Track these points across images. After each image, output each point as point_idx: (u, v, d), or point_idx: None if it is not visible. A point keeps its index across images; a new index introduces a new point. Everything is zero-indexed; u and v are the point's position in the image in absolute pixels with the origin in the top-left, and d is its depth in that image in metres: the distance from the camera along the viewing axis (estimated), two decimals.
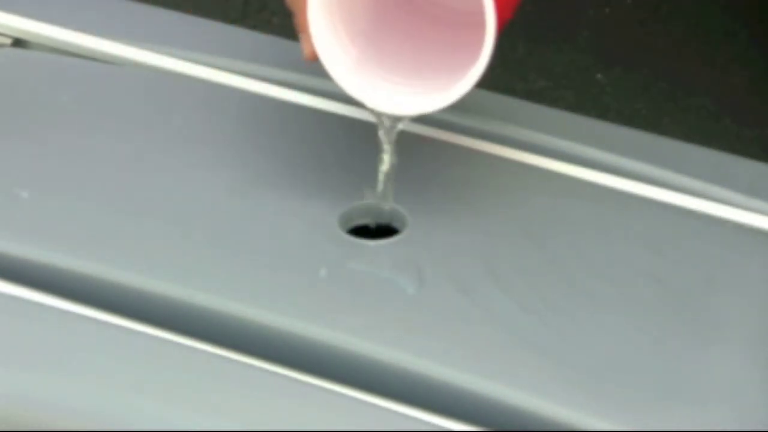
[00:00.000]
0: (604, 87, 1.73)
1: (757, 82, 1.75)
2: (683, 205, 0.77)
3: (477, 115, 0.81)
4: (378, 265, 0.70)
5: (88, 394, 0.62)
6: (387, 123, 0.71)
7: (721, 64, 1.79)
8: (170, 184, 0.74)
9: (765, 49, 1.80)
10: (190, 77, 0.83)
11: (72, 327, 0.65)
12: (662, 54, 1.79)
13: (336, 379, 0.64)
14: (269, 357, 0.64)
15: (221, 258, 0.69)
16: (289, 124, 0.80)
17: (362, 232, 0.73)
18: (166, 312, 0.66)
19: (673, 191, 0.78)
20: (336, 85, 0.69)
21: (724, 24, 1.84)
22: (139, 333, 0.65)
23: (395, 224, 0.73)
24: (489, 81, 0.70)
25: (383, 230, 0.73)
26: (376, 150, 0.72)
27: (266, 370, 0.64)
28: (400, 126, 0.71)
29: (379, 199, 0.73)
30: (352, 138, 0.78)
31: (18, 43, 0.85)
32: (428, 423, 0.62)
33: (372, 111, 0.70)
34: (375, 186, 0.73)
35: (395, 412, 0.63)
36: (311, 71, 0.76)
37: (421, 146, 0.79)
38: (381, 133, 0.71)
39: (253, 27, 0.98)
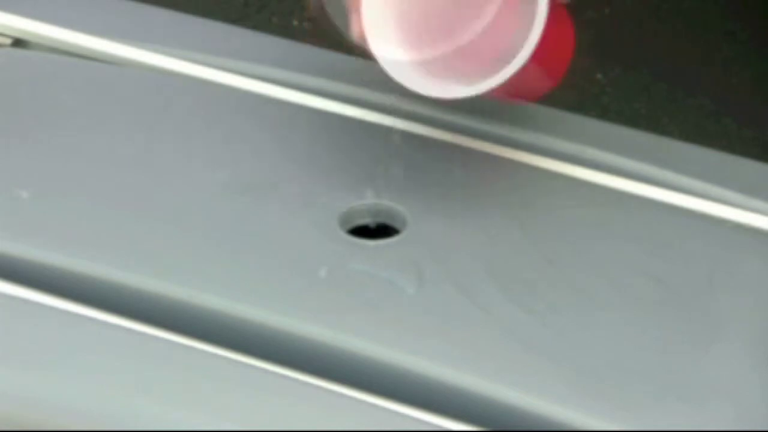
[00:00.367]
0: (604, 87, 1.73)
1: (757, 82, 1.75)
2: (683, 205, 0.77)
3: (477, 115, 0.81)
4: (378, 265, 0.70)
5: (88, 394, 0.62)
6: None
7: (721, 64, 1.78)
8: (170, 183, 0.74)
9: (765, 49, 1.80)
10: (190, 77, 0.83)
11: (72, 327, 0.65)
12: (662, 54, 1.79)
13: (336, 379, 0.64)
14: (269, 357, 0.64)
15: (221, 258, 0.69)
16: (289, 124, 0.80)
17: (362, 232, 0.73)
18: (166, 312, 0.66)
19: (673, 191, 0.78)
20: (336, 85, 0.69)
21: (724, 24, 1.84)
22: (139, 333, 0.65)
23: (395, 224, 0.73)
24: None
25: (383, 230, 0.73)
26: (376, 150, 0.72)
27: (266, 370, 0.64)
28: None
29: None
30: (352, 138, 0.78)
31: (18, 43, 0.85)
32: (428, 423, 0.62)
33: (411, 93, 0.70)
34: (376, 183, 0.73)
35: (395, 412, 0.63)
36: (311, 71, 0.76)
37: (421, 146, 0.79)
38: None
39: (253, 27, 0.98)
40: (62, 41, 0.85)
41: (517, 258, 0.71)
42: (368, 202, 0.74)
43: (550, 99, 0.82)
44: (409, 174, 0.75)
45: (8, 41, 0.85)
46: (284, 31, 0.78)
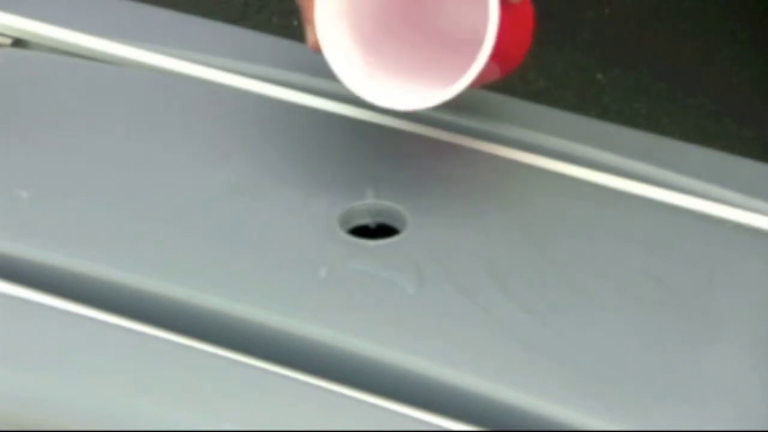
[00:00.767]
0: (604, 87, 1.73)
1: (757, 82, 1.75)
2: (683, 205, 0.77)
3: (477, 115, 0.81)
4: (378, 265, 0.70)
5: (88, 394, 0.62)
6: None
7: (721, 64, 1.78)
8: (170, 183, 0.74)
9: (765, 49, 1.80)
10: (190, 77, 0.83)
11: (72, 327, 0.65)
12: (662, 54, 1.79)
13: (336, 379, 0.64)
14: (269, 357, 0.64)
15: (221, 258, 0.69)
16: (289, 124, 0.80)
17: (362, 232, 0.73)
18: (166, 312, 0.66)
19: (673, 191, 0.78)
20: (336, 85, 0.69)
21: (724, 24, 1.84)
22: (139, 333, 0.65)
23: (395, 224, 0.73)
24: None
25: (383, 230, 0.73)
26: (376, 150, 0.72)
27: (266, 370, 0.64)
28: None
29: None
30: (352, 138, 0.78)
31: (18, 43, 0.85)
32: (428, 423, 0.63)
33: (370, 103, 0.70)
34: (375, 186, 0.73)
35: (395, 412, 0.63)
36: (311, 71, 0.76)
37: (421, 146, 0.79)
38: None
39: (253, 27, 0.98)
40: (62, 41, 0.85)
41: (517, 258, 0.71)
42: (368, 202, 0.74)
43: (550, 99, 0.82)
44: (409, 174, 0.75)
45: (8, 41, 0.85)
46: (284, 31, 0.78)
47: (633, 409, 0.64)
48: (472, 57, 0.68)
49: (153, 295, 0.67)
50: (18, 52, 0.85)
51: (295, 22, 1.56)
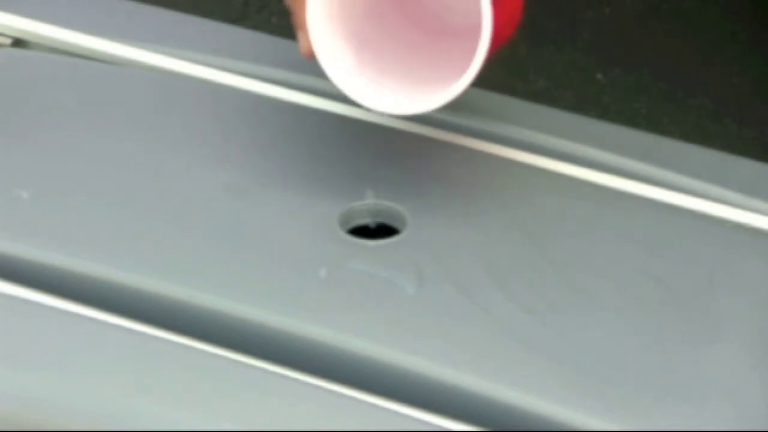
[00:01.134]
0: (604, 87, 1.73)
1: (757, 82, 1.75)
2: (683, 205, 0.77)
3: (477, 115, 0.81)
4: (378, 265, 0.70)
5: (88, 394, 0.62)
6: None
7: (721, 64, 1.79)
8: (170, 184, 0.74)
9: (765, 49, 1.80)
10: (190, 77, 0.83)
11: (72, 327, 0.65)
12: (662, 54, 1.79)
13: (336, 379, 0.64)
14: (269, 357, 0.64)
15: (221, 258, 0.69)
16: (289, 124, 0.80)
17: (362, 232, 0.73)
18: (166, 312, 0.66)
19: (673, 191, 0.78)
20: (336, 85, 0.69)
21: (724, 24, 1.84)
22: (139, 333, 0.65)
23: (395, 224, 0.73)
24: (489, 81, 0.70)
25: (383, 230, 0.73)
26: (376, 150, 0.72)
27: (266, 370, 0.64)
28: None
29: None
30: (352, 138, 0.78)
31: (18, 43, 0.85)
32: (428, 423, 0.62)
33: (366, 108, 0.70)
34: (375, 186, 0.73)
35: (395, 412, 0.63)
36: (311, 71, 0.76)
37: (421, 146, 0.79)
38: None
39: (253, 27, 0.98)
40: (62, 41, 0.85)
41: (517, 258, 0.71)
42: (368, 202, 0.74)
43: (550, 99, 0.82)
44: (409, 174, 0.75)
45: (8, 41, 0.85)
46: (284, 31, 0.78)
47: (633, 409, 0.64)
48: (468, 43, 0.67)
49: (153, 295, 0.67)
50: (18, 52, 0.85)
51: None
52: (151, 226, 0.71)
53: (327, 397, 0.63)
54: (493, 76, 0.70)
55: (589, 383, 0.64)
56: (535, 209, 0.75)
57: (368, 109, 0.70)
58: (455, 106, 0.69)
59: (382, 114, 0.76)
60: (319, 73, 0.69)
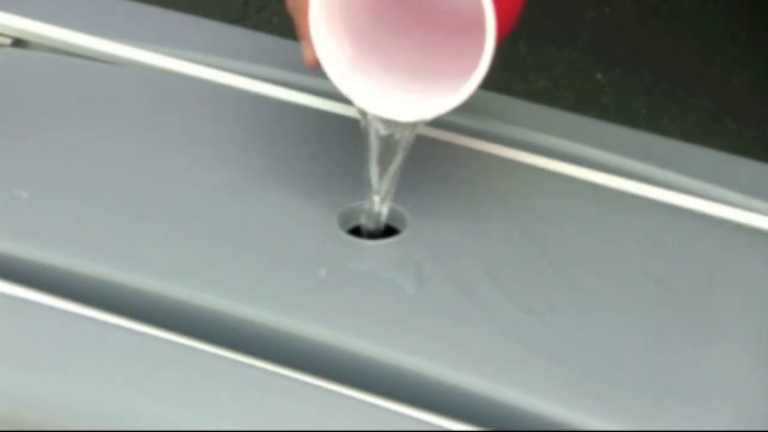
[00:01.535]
0: (604, 87, 1.73)
1: (757, 82, 1.76)
2: (683, 205, 0.77)
3: (477, 115, 0.81)
4: (378, 265, 0.70)
5: (88, 394, 0.62)
6: (379, 126, 0.70)
7: (721, 64, 1.79)
8: (170, 184, 0.74)
9: (765, 49, 1.80)
10: (190, 77, 0.83)
11: (72, 327, 0.65)
12: (662, 54, 1.79)
13: (336, 379, 0.64)
14: (269, 357, 0.64)
15: (221, 258, 0.69)
16: (289, 124, 0.80)
17: (362, 232, 0.73)
18: (166, 312, 0.66)
19: (673, 191, 0.78)
20: (344, 95, 0.68)
21: (724, 24, 1.84)
22: (139, 333, 0.65)
23: (395, 224, 0.73)
24: (489, 81, 0.70)
25: (383, 230, 0.73)
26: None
27: (266, 370, 0.64)
28: (404, 137, 0.71)
29: (369, 207, 0.72)
30: (353, 138, 0.78)
31: (18, 43, 0.85)
32: (428, 423, 0.62)
33: (370, 115, 0.70)
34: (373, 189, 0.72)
35: (395, 412, 0.63)
36: (311, 71, 0.76)
37: (421, 146, 0.79)
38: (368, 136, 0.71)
39: (253, 27, 0.98)
40: (62, 41, 0.85)
41: (517, 258, 0.71)
42: (368, 202, 0.73)
43: (550, 99, 0.82)
44: (409, 174, 0.75)
45: (8, 41, 0.85)
46: (284, 31, 0.78)
47: (633, 409, 0.64)
48: (473, 36, 0.67)
49: (153, 295, 0.67)
50: (18, 52, 0.85)
51: None
52: (151, 226, 0.71)
53: (327, 397, 0.63)
54: (493, 76, 0.70)
55: (589, 383, 0.64)
56: (535, 209, 0.75)
57: (372, 115, 0.70)
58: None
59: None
60: (319, 73, 0.69)
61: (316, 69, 0.69)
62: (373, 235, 0.72)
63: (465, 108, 0.74)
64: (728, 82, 1.76)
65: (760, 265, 0.74)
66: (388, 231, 0.73)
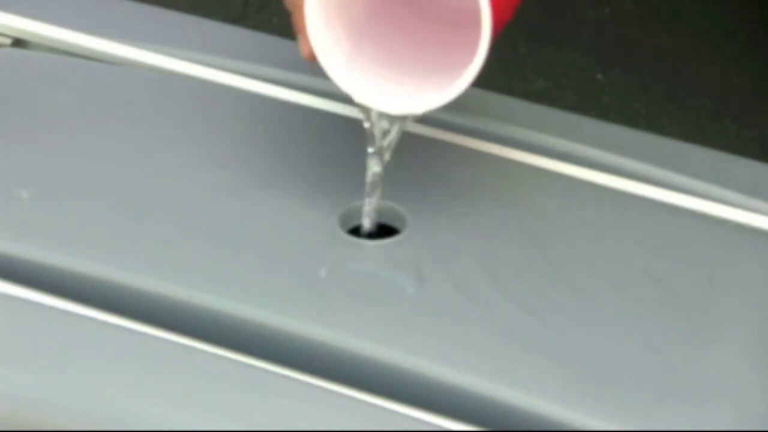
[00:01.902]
0: (604, 87, 1.73)
1: (757, 83, 1.76)
2: (683, 205, 0.77)
3: (477, 115, 0.81)
4: (378, 265, 0.70)
5: (88, 394, 0.62)
6: (384, 125, 0.71)
7: (721, 64, 1.79)
8: (170, 184, 0.74)
9: (765, 49, 1.80)
10: (190, 77, 0.83)
11: (72, 327, 0.65)
12: (662, 54, 1.79)
13: (336, 379, 0.64)
14: (269, 357, 0.64)
15: (221, 258, 0.69)
16: (289, 124, 0.80)
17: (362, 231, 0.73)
18: (166, 312, 0.66)
19: (673, 191, 0.78)
20: (336, 86, 0.69)
21: (724, 24, 1.84)
22: (139, 333, 0.65)
23: (395, 224, 0.73)
24: (489, 81, 0.70)
25: (383, 230, 0.73)
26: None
27: (266, 370, 0.64)
28: (393, 132, 0.71)
29: (367, 210, 0.72)
30: (353, 138, 0.78)
31: (18, 43, 0.85)
32: (428, 423, 0.62)
33: (367, 110, 0.70)
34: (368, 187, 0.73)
35: (395, 412, 0.63)
36: (311, 71, 0.76)
37: (421, 146, 0.79)
38: (373, 135, 0.71)
39: (253, 27, 0.98)
40: (62, 41, 0.85)
41: (517, 258, 0.71)
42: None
43: (550, 99, 0.82)
44: (409, 174, 0.75)
45: (8, 41, 0.85)
46: (284, 31, 0.78)
47: (633, 409, 0.64)
48: (471, 27, 0.67)
49: (153, 295, 0.67)
50: (18, 52, 0.85)
51: None
52: (151, 226, 0.71)
53: (327, 397, 0.63)
54: (493, 76, 0.70)
55: (589, 383, 0.64)
56: (535, 209, 0.75)
57: (368, 109, 0.70)
58: (455, 106, 0.69)
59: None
60: (319, 73, 0.69)
61: (312, 63, 0.69)
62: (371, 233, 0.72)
63: (465, 108, 0.75)
64: (728, 82, 1.76)
65: (760, 265, 0.74)
66: (388, 231, 0.73)
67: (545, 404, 0.63)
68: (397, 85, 0.71)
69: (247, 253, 0.70)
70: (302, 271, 0.69)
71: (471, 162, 0.78)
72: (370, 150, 0.71)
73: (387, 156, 0.71)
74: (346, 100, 0.71)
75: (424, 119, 0.79)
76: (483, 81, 0.67)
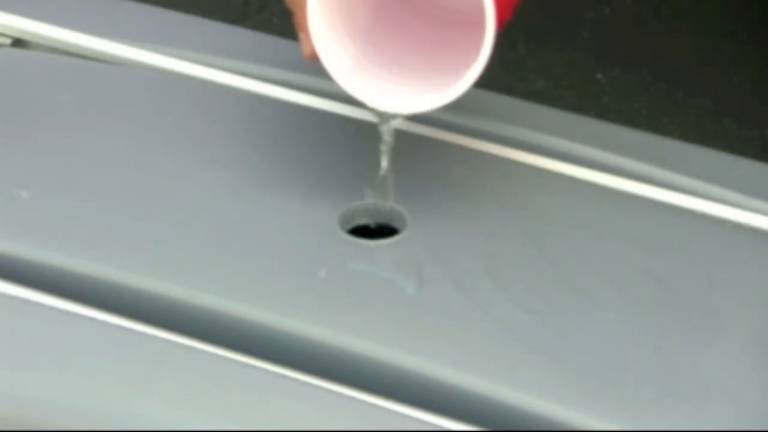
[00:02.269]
0: (604, 87, 1.73)
1: (757, 82, 1.76)
2: (683, 205, 0.77)
3: (477, 115, 0.81)
4: (378, 265, 0.70)
5: (88, 394, 0.62)
6: (388, 120, 0.71)
7: (721, 64, 1.79)
8: (170, 184, 0.74)
9: (765, 49, 1.80)
10: (190, 77, 0.83)
11: (72, 327, 0.65)
12: (662, 54, 1.79)
13: (336, 379, 0.64)
14: (269, 357, 0.64)
15: (221, 258, 0.69)
16: (289, 124, 0.80)
17: (362, 232, 0.73)
18: (166, 312, 0.66)
19: (673, 191, 0.78)
20: (336, 85, 0.69)
21: (724, 24, 1.84)
22: (139, 333, 0.65)
23: (395, 224, 0.73)
24: (489, 81, 0.70)
25: (383, 230, 0.73)
26: (376, 150, 0.72)
27: (266, 370, 0.64)
28: (395, 123, 0.71)
29: (378, 199, 0.73)
30: (352, 138, 0.78)
31: (18, 43, 0.85)
32: (428, 423, 0.62)
33: (371, 109, 0.70)
34: (374, 184, 0.73)
35: (395, 412, 0.63)
36: (311, 71, 0.76)
37: (421, 146, 0.79)
38: (382, 131, 0.72)
39: (253, 27, 0.98)
40: (62, 41, 0.85)
41: (517, 258, 0.71)
42: (368, 202, 0.74)
43: (550, 99, 0.82)
44: (409, 174, 0.75)
45: (8, 41, 0.85)
46: (284, 31, 0.78)
47: (633, 409, 0.64)
48: (472, 28, 0.67)
49: (153, 295, 0.67)
50: (18, 52, 0.85)
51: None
52: (151, 226, 0.71)
53: (327, 397, 0.63)
54: (493, 76, 0.70)
55: (589, 383, 0.64)
56: (535, 209, 0.75)
57: (371, 109, 0.70)
58: (455, 106, 0.69)
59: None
60: (319, 73, 0.69)
61: (314, 63, 0.69)
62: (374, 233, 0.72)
63: (465, 108, 0.75)
64: (728, 82, 1.76)
65: (760, 265, 0.74)
66: (388, 231, 0.73)
67: (545, 404, 0.63)
68: (397, 85, 0.71)
69: (247, 253, 0.70)
70: (302, 271, 0.69)
71: (471, 162, 0.78)
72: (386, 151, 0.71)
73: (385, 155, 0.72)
74: (347, 100, 0.72)
75: (424, 119, 0.79)
76: (483, 81, 0.67)
